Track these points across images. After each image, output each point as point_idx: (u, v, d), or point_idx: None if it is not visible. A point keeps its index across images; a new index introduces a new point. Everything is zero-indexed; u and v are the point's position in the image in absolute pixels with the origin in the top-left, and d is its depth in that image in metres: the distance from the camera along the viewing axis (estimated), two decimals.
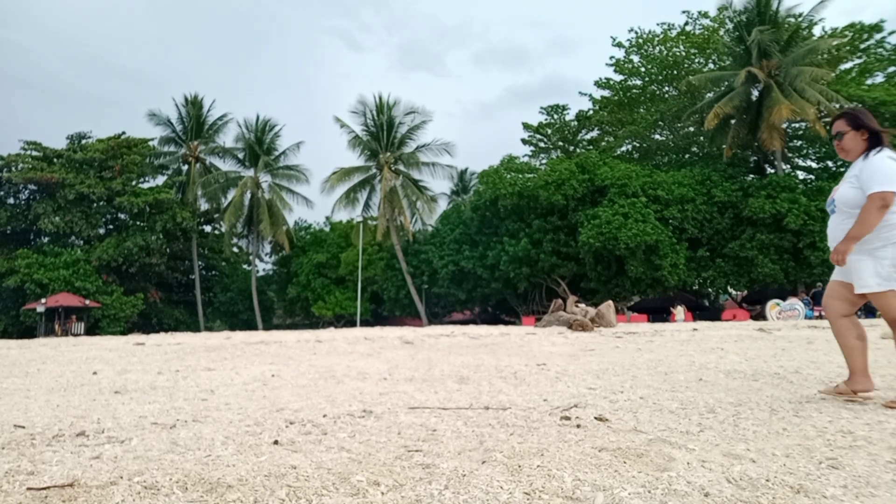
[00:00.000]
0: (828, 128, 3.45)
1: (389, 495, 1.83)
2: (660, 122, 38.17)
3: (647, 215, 29.78)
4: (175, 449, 2.43)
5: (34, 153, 39.13)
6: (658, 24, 38.30)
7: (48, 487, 1.92)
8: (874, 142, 3.32)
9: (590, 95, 40.80)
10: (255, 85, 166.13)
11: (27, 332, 34.47)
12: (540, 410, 3.23)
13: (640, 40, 37.85)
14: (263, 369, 5.98)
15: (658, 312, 31.55)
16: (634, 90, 39.17)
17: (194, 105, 43.74)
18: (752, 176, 33.42)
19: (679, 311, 29.31)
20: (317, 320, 41.66)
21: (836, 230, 3.40)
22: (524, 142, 44.52)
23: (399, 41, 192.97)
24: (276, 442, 2.52)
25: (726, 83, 32.45)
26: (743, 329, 11.91)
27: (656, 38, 37.55)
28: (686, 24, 37.38)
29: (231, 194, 41.98)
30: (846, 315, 3.41)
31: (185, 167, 43.97)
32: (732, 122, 32.62)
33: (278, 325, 46.37)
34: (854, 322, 3.41)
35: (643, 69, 38.34)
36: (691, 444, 2.38)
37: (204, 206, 44.31)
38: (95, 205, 39.51)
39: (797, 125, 34.15)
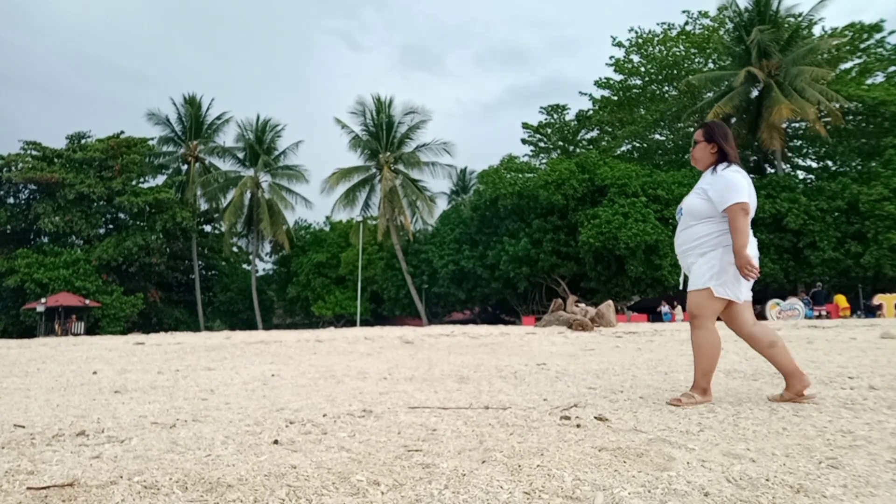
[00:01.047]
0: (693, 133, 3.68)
1: (389, 495, 1.83)
2: (660, 122, 38.17)
3: (647, 215, 29.79)
4: (175, 448, 2.43)
5: (34, 153, 39.13)
6: (658, 24, 38.33)
7: (48, 487, 1.92)
8: (721, 157, 3.55)
9: (590, 95, 40.82)
10: (256, 85, 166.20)
11: (27, 332, 34.47)
12: (540, 410, 3.23)
13: (641, 40, 37.86)
14: (263, 369, 5.99)
15: (658, 313, 31.56)
16: (634, 90, 39.17)
17: (193, 104, 43.73)
18: (752, 175, 33.36)
19: (679, 310, 29.33)
20: (317, 320, 41.67)
21: (680, 235, 3.62)
22: (524, 142, 44.54)
23: (400, 41, 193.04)
24: (276, 441, 2.52)
25: (726, 83, 32.46)
26: None
27: (656, 38, 37.55)
28: (686, 23, 37.41)
29: (231, 194, 41.97)
30: (753, 324, 3.52)
31: (185, 167, 43.98)
32: (732, 121, 32.62)
33: (278, 324, 46.38)
34: (759, 329, 3.52)
35: (643, 69, 38.34)
36: (691, 444, 2.38)
37: (204, 205, 44.33)
38: (95, 204, 39.52)
39: (797, 125, 34.16)
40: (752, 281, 3.44)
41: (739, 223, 3.33)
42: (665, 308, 30.06)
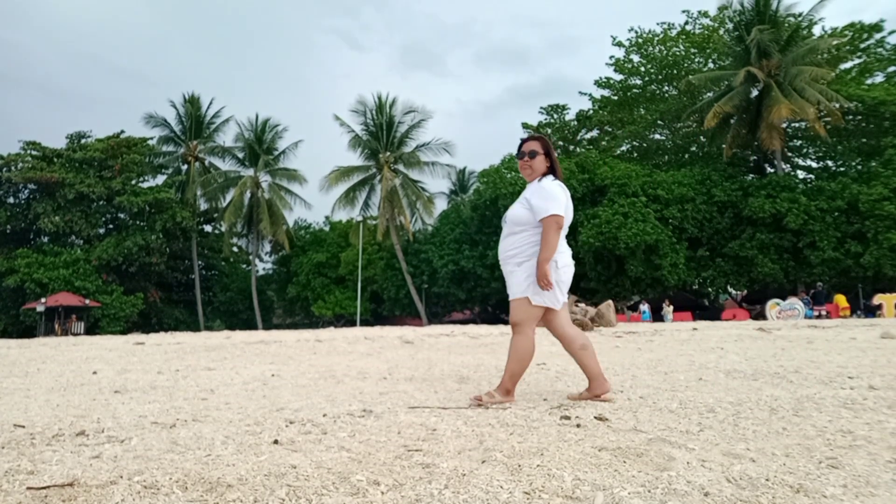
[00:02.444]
0: (520, 144, 3.79)
1: (389, 495, 1.83)
2: (659, 122, 38.17)
3: (647, 215, 29.79)
4: (175, 448, 2.43)
5: (34, 153, 39.13)
6: (658, 24, 38.30)
7: (48, 487, 1.92)
8: (551, 169, 3.73)
9: (589, 95, 40.80)
10: (256, 84, 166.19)
11: (27, 332, 34.48)
12: (540, 410, 3.23)
13: (640, 40, 37.84)
14: (263, 369, 5.99)
15: (656, 312, 31.56)
16: (634, 90, 39.15)
17: (192, 104, 43.70)
18: (751, 175, 33.44)
19: (669, 310, 29.08)
20: (316, 320, 41.68)
21: (501, 243, 3.76)
22: None
23: (400, 41, 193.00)
24: (275, 441, 2.52)
25: (726, 83, 32.46)
26: (743, 328, 11.91)
27: (656, 38, 37.54)
28: (686, 23, 37.38)
29: (231, 194, 41.97)
30: (567, 325, 3.71)
31: (185, 167, 43.97)
32: (732, 121, 32.63)
33: (278, 324, 46.38)
34: (571, 332, 3.70)
35: (643, 69, 38.32)
36: (691, 444, 2.38)
37: (203, 205, 44.32)
38: (95, 204, 39.52)
39: (797, 125, 34.14)
40: (565, 287, 3.64)
41: (550, 235, 3.47)
42: (644, 307, 29.95)
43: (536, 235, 3.55)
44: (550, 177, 3.68)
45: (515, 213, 3.64)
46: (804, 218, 28.61)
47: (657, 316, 30.02)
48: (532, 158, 3.73)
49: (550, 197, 3.52)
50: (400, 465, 2.14)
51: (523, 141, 3.84)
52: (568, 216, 3.61)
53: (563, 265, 3.62)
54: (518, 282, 3.57)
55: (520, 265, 3.58)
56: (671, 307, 29.36)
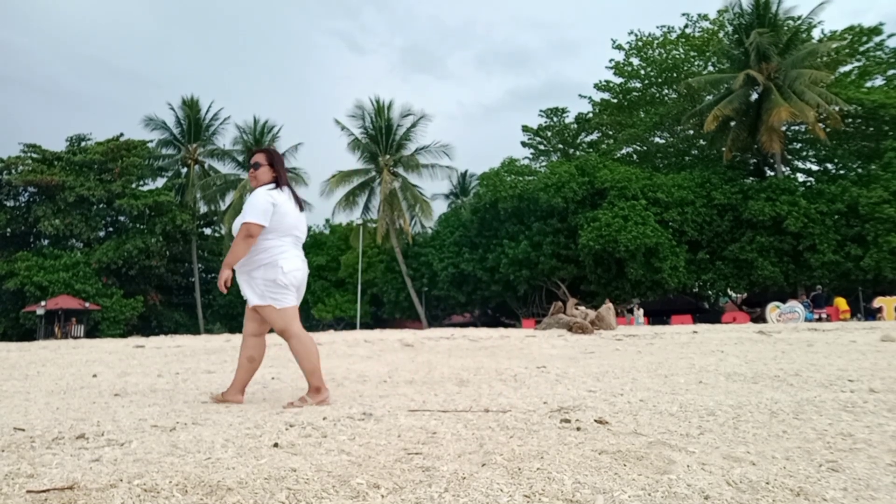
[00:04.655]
0: (250, 157, 4.01)
1: (389, 498, 1.83)
2: (659, 125, 38.21)
3: (647, 218, 29.81)
4: (175, 452, 2.43)
5: (34, 156, 39.15)
6: (658, 27, 38.38)
7: (48, 490, 1.92)
8: (275, 181, 3.86)
9: (589, 98, 40.86)
10: (256, 87, 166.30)
11: (27, 335, 34.46)
12: (540, 413, 3.23)
13: (640, 43, 37.91)
14: (263, 371, 5.99)
15: (658, 315, 31.53)
16: (634, 93, 39.21)
17: (191, 107, 43.69)
18: (751, 178, 33.47)
19: (639, 314, 28.67)
20: (316, 323, 41.64)
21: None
22: (524, 144, 44.58)
23: (401, 43, 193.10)
24: (275, 445, 2.52)
25: (725, 86, 32.50)
26: (743, 331, 11.90)
27: (656, 41, 37.61)
28: (686, 26, 37.47)
29: (230, 196, 41.98)
30: (256, 335, 3.88)
31: (185, 170, 43.98)
32: (732, 124, 32.66)
33: None
34: (257, 343, 3.89)
35: (643, 72, 38.38)
36: (691, 447, 2.38)
37: (203, 208, 44.32)
38: (95, 207, 39.53)
39: (797, 128, 34.19)
40: (298, 290, 3.78)
41: (238, 241, 3.62)
42: (639, 313, 29.80)
43: (264, 242, 3.69)
44: (267, 186, 3.80)
45: (235, 223, 3.79)
46: (804, 221, 28.62)
47: (659, 319, 29.99)
48: (256, 170, 3.88)
49: (251, 206, 3.67)
50: (400, 468, 2.14)
51: (251, 153, 4.02)
52: (284, 223, 3.73)
53: (291, 269, 3.73)
54: (255, 292, 3.71)
55: (249, 273, 3.73)
56: (641, 310, 29.19)
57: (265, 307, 3.70)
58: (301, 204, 4.00)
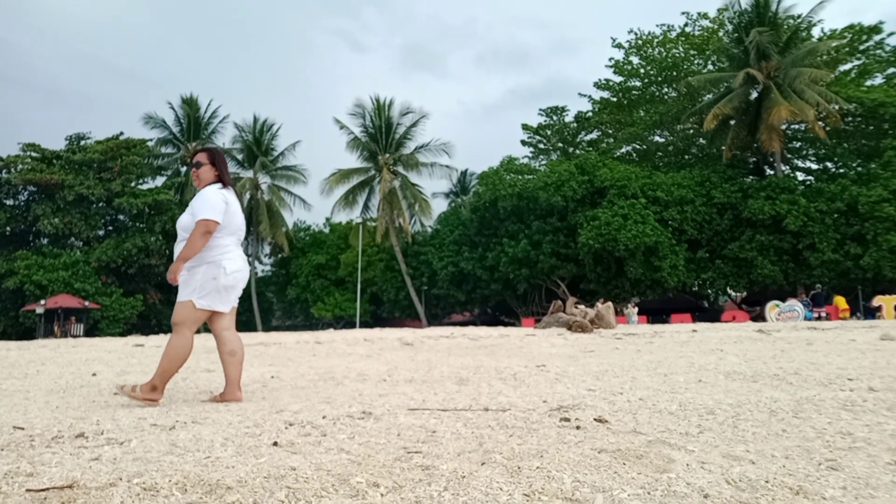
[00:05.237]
0: (191, 157, 4.12)
1: (389, 497, 1.83)
2: (659, 124, 38.22)
3: (647, 216, 29.82)
4: (174, 450, 2.43)
5: (33, 154, 39.12)
6: (658, 26, 38.37)
7: (47, 489, 1.92)
8: (218, 180, 3.91)
9: (589, 97, 40.85)
10: (256, 86, 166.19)
11: (26, 334, 34.46)
12: (539, 412, 3.23)
13: (640, 41, 37.90)
14: (263, 370, 5.99)
15: (658, 314, 31.52)
16: (634, 91, 39.20)
17: (191, 105, 43.66)
18: (751, 177, 33.49)
19: (632, 312, 27.99)
20: (316, 322, 41.65)
21: (176, 249, 3.87)
22: (524, 143, 44.58)
23: (401, 42, 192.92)
24: (275, 443, 2.52)
25: (725, 84, 32.50)
26: (742, 330, 11.91)
27: (656, 40, 37.60)
28: (685, 25, 37.48)
29: None
30: (227, 328, 3.92)
31: (184, 168, 43.95)
32: (732, 123, 32.66)
33: (277, 326, 46.36)
34: (230, 336, 3.91)
35: (643, 70, 38.37)
36: (691, 446, 2.38)
37: None
38: (95, 206, 39.50)
39: (796, 126, 34.19)
40: (234, 291, 3.83)
41: (194, 237, 3.64)
42: (632, 311, 29.67)
43: (212, 241, 3.73)
44: (215, 185, 3.84)
45: (183, 220, 3.81)
46: (804, 220, 28.63)
47: (658, 318, 29.99)
48: (198, 169, 3.92)
49: (205, 203, 3.71)
50: (399, 466, 2.14)
51: (194, 153, 4.05)
52: (233, 223, 3.81)
53: (233, 270, 3.78)
54: (185, 285, 3.72)
55: (189, 269, 3.73)
56: (636, 308, 29.09)
57: (185, 301, 3.73)
58: (241, 205, 4.07)
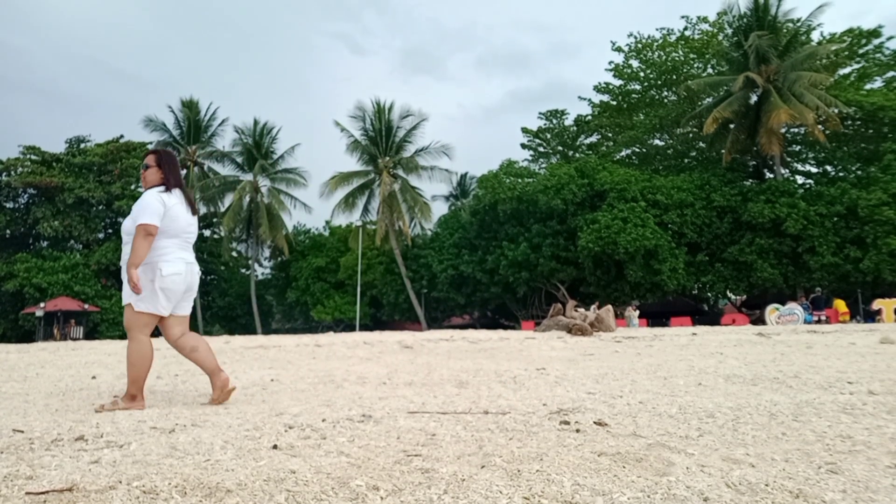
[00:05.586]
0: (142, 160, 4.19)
1: (388, 500, 1.83)
2: (659, 127, 38.25)
3: (647, 220, 29.81)
4: (174, 453, 2.43)
5: (33, 157, 39.15)
6: (658, 29, 38.43)
7: (47, 492, 1.92)
8: (164, 182, 3.91)
9: (589, 100, 40.88)
10: (256, 89, 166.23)
11: (26, 337, 34.44)
12: (539, 415, 3.23)
13: (640, 45, 37.95)
14: (262, 373, 5.98)
15: (657, 317, 31.51)
16: (634, 95, 39.24)
17: (191, 108, 43.68)
18: (751, 181, 33.50)
19: (633, 315, 27.71)
20: (316, 325, 41.61)
21: (122, 256, 3.90)
22: (523, 146, 44.61)
23: (401, 45, 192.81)
24: (275, 446, 2.52)
25: (725, 88, 32.54)
26: (742, 333, 11.91)
27: (655, 43, 37.64)
28: (685, 28, 37.48)
29: (230, 198, 41.97)
30: (181, 336, 3.95)
31: (184, 171, 43.97)
32: (731, 126, 32.69)
33: (277, 329, 46.30)
34: (188, 337, 3.97)
35: (642, 74, 38.42)
36: (690, 449, 2.38)
37: (203, 209, 44.30)
38: (94, 209, 39.52)
39: (796, 130, 34.22)
40: (181, 296, 3.88)
41: (137, 242, 3.66)
42: (633, 314, 29.62)
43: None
44: (158, 188, 3.86)
45: (126, 225, 3.85)
46: (803, 223, 28.62)
47: (658, 321, 29.97)
48: (145, 171, 3.96)
49: (144, 207, 3.73)
50: (399, 470, 2.14)
51: (145, 155, 4.08)
52: (174, 225, 3.81)
53: (170, 273, 3.79)
54: (126, 289, 3.75)
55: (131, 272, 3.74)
56: (637, 312, 29.05)
57: (127, 305, 3.78)
58: (194, 206, 4.05)
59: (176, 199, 3.90)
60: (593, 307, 19.42)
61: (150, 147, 41.68)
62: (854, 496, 1.83)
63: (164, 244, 3.81)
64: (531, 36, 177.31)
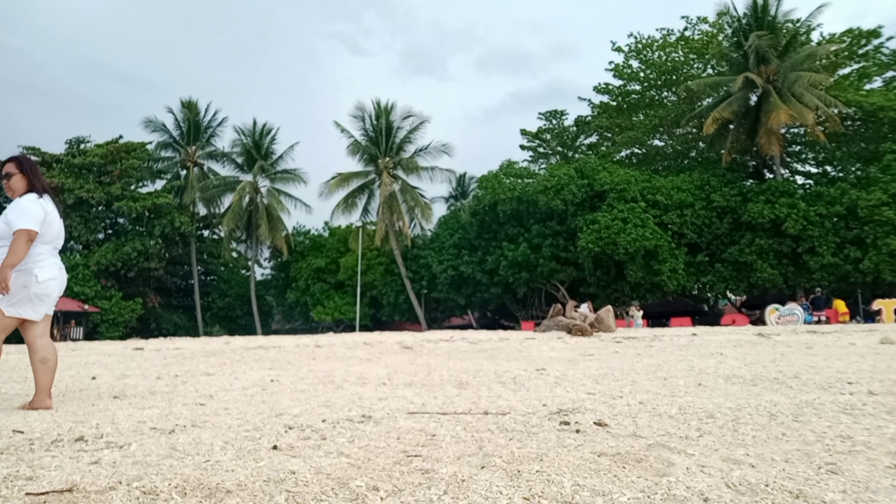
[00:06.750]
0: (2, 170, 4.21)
1: (388, 500, 1.83)
2: (659, 128, 38.25)
3: (647, 220, 29.81)
4: (174, 454, 2.42)
5: (33, 158, 39.13)
6: (657, 30, 38.41)
7: (47, 493, 1.92)
8: (30, 187, 3.92)
9: (589, 101, 40.89)
10: (256, 90, 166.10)
11: None
12: (539, 415, 3.23)
13: (640, 45, 37.96)
14: (262, 374, 5.98)
15: (657, 318, 31.50)
16: (633, 95, 39.25)
17: (190, 109, 43.66)
18: (750, 181, 33.49)
19: (636, 315, 27.53)
20: (316, 325, 41.61)
21: None
22: (523, 147, 44.61)
23: (401, 45, 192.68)
24: (275, 447, 2.52)
25: (725, 88, 32.54)
26: (742, 334, 11.91)
27: (655, 44, 37.65)
28: (685, 29, 37.48)
29: (229, 198, 41.96)
30: (41, 336, 3.93)
31: (184, 172, 43.96)
32: (731, 127, 32.69)
33: (277, 329, 46.30)
34: (44, 344, 3.92)
35: (642, 74, 38.42)
36: (690, 449, 2.38)
37: (202, 210, 44.31)
38: (94, 209, 39.50)
39: (796, 130, 34.23)
40: (48, 300, 3.88)
41: (17, 245, 3.66)
42: (636, 314, 29.55)
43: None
44: (32, 195, 3.86)
45: (2, 229, 3.80)
46: (803, 223, 28.62)
47: (659, 321, 29.97)
48: (9, 180, 3.92)
49: (24, 211, 3.73)
50: (399, 470, 2.14)
51: (1, 165, 4.05)
52: (49, 232, 3.86)
53: (46, 279, 3.81)
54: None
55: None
56: (640, 311, 29.00)
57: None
58: (60, 212, 4.07)
59: (51, 205, 3.94)
60: (584, 305, 19.46)
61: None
62: (854, 496, 1.83)
63: (39, 250, 3.84)
64: (531, 36, 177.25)
